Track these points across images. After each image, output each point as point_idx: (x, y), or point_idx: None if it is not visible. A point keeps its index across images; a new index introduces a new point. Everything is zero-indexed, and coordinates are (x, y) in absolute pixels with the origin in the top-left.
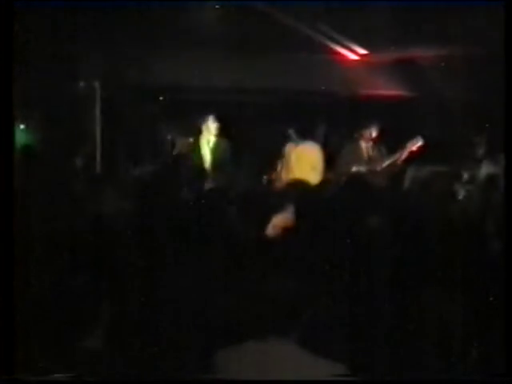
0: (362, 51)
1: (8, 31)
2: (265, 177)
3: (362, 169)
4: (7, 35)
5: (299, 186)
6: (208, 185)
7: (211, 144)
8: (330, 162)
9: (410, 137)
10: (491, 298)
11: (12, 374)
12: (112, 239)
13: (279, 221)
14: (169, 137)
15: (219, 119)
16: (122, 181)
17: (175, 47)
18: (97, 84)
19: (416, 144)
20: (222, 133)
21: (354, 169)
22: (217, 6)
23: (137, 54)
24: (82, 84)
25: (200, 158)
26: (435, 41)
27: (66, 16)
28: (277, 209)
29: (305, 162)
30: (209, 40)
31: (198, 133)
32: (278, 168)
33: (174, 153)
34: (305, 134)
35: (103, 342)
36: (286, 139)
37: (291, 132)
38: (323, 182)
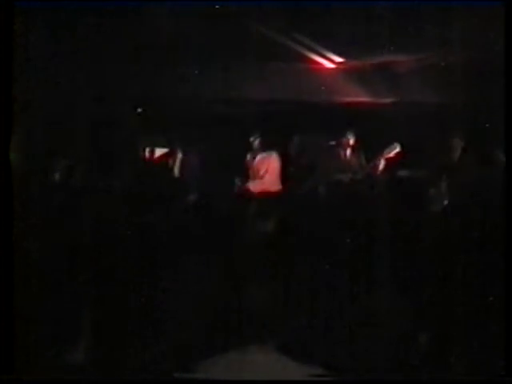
0: (338, 59)
1: (8, 31)
2: (238, 182)
3: (340, 177)
4: (7, 35)
5: (266, 195)
6: (184, 196)
7: (181, 159)
8: (308, 170)
9: (388, 144)
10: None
11: (12, 374)
12: (93, 249)
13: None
14: (146, 148)
15: (194, 130)
16: (100, 192)
17: (152, 58)
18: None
19: (393, 151)
20: (196, 146)
21: (332, 177)
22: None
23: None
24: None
25: (172, 170)
26: (411, 47)
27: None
28: (249, 219)
29: (263, 170)
30: (183, 49)
31: (173, 144)
32: (244, 178)
33: (150, 163)
34: (273, 144)
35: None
36: (248, 148)
37: (254, 142)
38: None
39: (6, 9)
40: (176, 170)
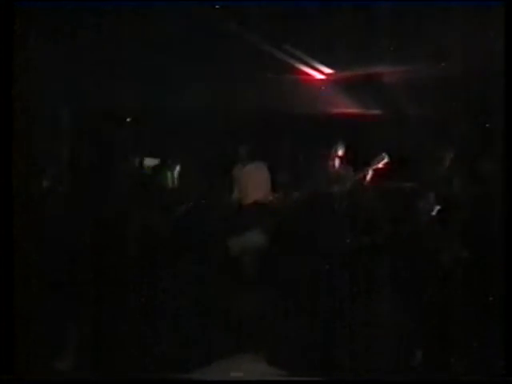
0: (328, 70)
1: (8, 31)
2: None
3: (329, 187)
4: (7, 35)
5: (256, 207)
6: (176, 207)
7: (174, 168)
8: (297, 180)
9: (377, 154)
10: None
11: (12, 374)
12: (82, 258)
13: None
14: (137, 158)
15: (188, 141)
16: (91, 203)
17: (141, 68)
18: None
19: (381, 161)
20: (188, 155)
21: (321, 187)
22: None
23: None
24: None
25: (165, 180)
26: (400, 59)
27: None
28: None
29: (252, 182)
30: (173, 59)
31: (164, 155)
32: (235, 189)
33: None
34: (261, 154)
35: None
36: (235, 159)
37: (242, 152)
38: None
39: (6, 9)
40: (167, 180)
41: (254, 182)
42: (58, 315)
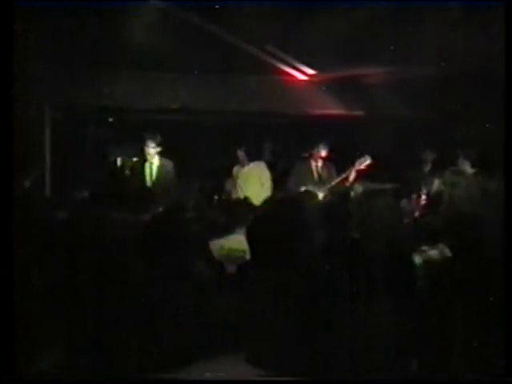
0: (311, 71)
1: (8, 31)
2: (215, 197)
3: (312, 188)
4: (7, 35)
5: (247, 205)
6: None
7: (154, 167)
8: (280, 181)
9: (360, 155)
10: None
11: (12, 374)
12: (60, 259)
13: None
14: (117, 157)
15: (167, 140)
16: (70, 202)
17: (124, 68)
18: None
19: (364, 163)
20: (168, 154)
21: (303, 188)
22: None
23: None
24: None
25: (144, 179)
26: (382, 60)
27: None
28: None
29: (253, 180)
30: (158, 61)
31: (141, 154)
32: (228, 188)
33: (122, 173)
34: (253, 155)
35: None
36: (234, 160)
37: (240, 153)
38: (272, 201)
39: (6, 9)
40: (148, 179)
41: (254, 181)
42: (58, 315)
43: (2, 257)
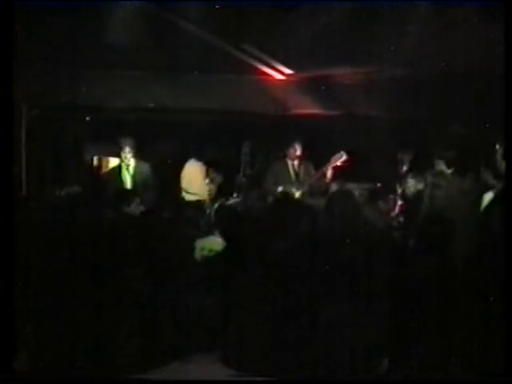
0: (288, 71)
1: (8, 31)
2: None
3: (289, 186)
4: (7, 35)
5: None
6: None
7: (130, 168)
8: (257, 180)
9: (336, 152)
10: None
11: (12, 374)
12: (39, 258)
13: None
14: (94, 157)
15: (142, 140)
16: (47, 202)
17: (102, 67)
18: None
19: (339, 159)
20: (145, 155)
21: (280, 187)
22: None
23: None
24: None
25: (121, 180)
26: (359, 60)
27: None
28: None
29: (187, 179)
30: (133, 60)
31: (118, 154)
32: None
33: (99, 173)
34: (229, 154)
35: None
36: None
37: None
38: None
39: (6, 9)
40: (126, 180)
41: (188, 179)
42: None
43: (2, 257)
